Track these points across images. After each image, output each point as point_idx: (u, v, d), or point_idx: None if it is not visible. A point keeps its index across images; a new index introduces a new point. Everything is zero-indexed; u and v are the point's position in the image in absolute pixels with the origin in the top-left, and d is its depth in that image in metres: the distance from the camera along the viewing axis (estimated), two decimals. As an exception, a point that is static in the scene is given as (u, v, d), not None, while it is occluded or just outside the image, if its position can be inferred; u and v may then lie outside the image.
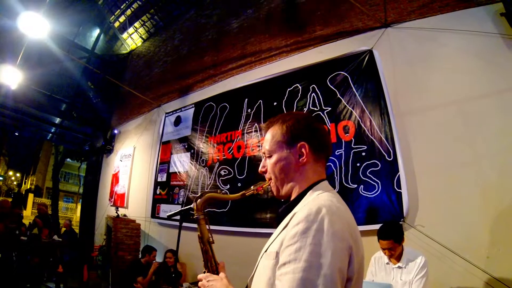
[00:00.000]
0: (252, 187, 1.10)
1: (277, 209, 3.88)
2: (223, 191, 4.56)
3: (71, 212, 22.20)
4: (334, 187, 3.51)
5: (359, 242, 0.87)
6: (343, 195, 3.39)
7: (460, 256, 2.74)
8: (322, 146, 1.01)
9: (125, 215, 5.92)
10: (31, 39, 5.52)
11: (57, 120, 9.30)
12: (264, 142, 1.06)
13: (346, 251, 0.80)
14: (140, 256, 4.70)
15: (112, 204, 7.15)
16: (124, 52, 8.70)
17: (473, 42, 3.17)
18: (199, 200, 1.15)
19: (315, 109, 4.00)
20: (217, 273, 1.09)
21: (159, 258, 5.00)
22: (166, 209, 5.49)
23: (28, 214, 16.19)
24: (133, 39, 8.39)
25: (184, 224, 4.98)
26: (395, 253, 2.53)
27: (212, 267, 1.11)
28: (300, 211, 0.85)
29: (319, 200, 0.87)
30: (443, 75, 3.31)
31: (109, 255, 5.41)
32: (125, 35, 8.42)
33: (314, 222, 0.79)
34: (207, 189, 4.81)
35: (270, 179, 1.04)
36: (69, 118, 8.72)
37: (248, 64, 5.19)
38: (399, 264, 2.53)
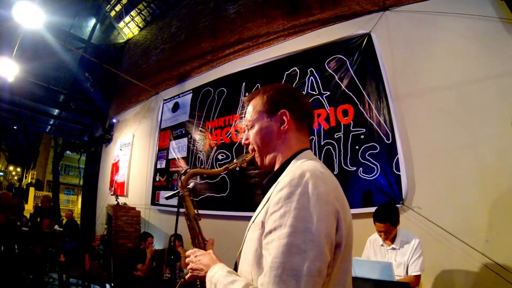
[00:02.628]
0: (235, 160, 1.10)
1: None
2: (221, 176, 4.56)
3: (73, 204, 22.32)
4: (333, 170, 3.55)
5: (346, 208, 0.86)
6: (342, 177, 3.41)
7: (458, 239, 2.74)
8: (303, 114, 1.01)
9: (125, 204, 5.94)
10: (27, 29, 5.48)
11: (56, 111, 9.26)
12: (246, 114, 1.06)
13: (332, 215, 0.78)
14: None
15: (112, 193, 7.17)
16: (121, 41, 8.61)
17: (472, 26, 3.13)
18: (183, 176, 1.14)
19: (314, 92, 3.97)
20: (205, 250, 1.08)
21: (160, 245, 5.04)
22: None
23: (30, 208, 16.26)
24: (129, 28, 8.31)
25: (183, 210, 5.03)
26: (390, 235, 2.55)
27: (200, 244, 1.11)
28: (283, 178, 0.84)
29: (302, 166, 0.85)
30: (441, 59, 3.28)
31: (110, 244, 5.45)
32: (121, 24, 8.33)
33: (298, 186, 0.77)
34: (204, 174, 4.81)
35: (253, 150, 1.04)
36: (67, 109, 8.66)
37: (245, 48, 5.13)
38: (393, 245, 2.55)
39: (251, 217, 3.47)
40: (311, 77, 4.06)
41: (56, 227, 6.00)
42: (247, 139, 1.06)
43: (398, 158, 3.18)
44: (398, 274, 2.44)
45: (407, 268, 2.46)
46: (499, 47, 2.98)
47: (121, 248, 5.18)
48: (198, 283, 1.08)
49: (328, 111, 3.78)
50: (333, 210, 0.79)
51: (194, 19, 6.29)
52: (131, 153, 6.91)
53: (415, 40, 3.49)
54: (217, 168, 4.75)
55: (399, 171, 3.15)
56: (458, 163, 2.98)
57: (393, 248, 2.54)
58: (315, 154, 3.63)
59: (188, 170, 1.16)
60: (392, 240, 2.57)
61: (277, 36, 4.78)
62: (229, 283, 0.82)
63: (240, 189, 4.36)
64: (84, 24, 8.58)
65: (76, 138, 10.80)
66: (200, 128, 5.26)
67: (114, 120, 8.02)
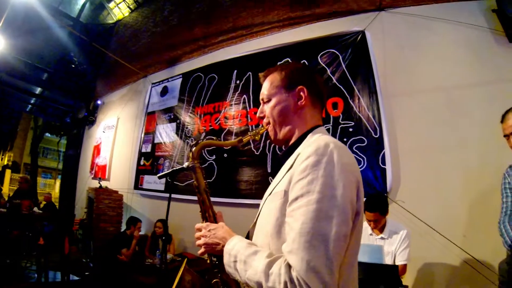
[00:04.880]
0: (249, 133, 1.10)
1: (260, 180, 3.97)
2: (209, 162, 4.54)
3: (50, 188, 21.64)
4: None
5: (361, 179, 0.88)
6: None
7: (438, 233, 2.85)
8: (319, 92, 1.03)
9: (106, 187, 5.82)
10: (15, 1, 5.24)
11: (38, 90, 8.94)
12: (262, 89, 1.07)
13: (354, 184, 0.81)
14: (125, 227, 4.64)
15: (92, 176, 7.02)
16: (111, 22, 8.37)
17: (464, 34, 3.25)
18: (194, 148, 1.12)
19: (305, 83, 3.98)
20: (216, 223, 1.06)
21: (143, 230, 4.98)
22: (150, 180, 5.42)
23: (6, 191, 15.69)
24: (120, 9, 8.09)
25: (168, 195, 4.98)
26: (379, 224, 2.61)
27: (210, 217, 1.07)
28: (307, 148, 0.84)
29: (324, 138, 0.87)
30: (432, 62, 3.39)
31: (91, 228, 5.33)
32: (112, 4, 8.11)
33: (324, 155, 0.79)
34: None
35: (268, 123, 1.05)
36: (50, 88, 8.38)
37: (239, 37, 5.10)
38: (382, 235, 2.61)
39: (237, 204, 3.50)
40: (303, 69, 4.07)
41: (35, 209, 5.82)
42: (262, 112, 1.07)
43: (384, 152, 3.27)
44: (386, 263, 2.50)
45: (395, 257, 2.53)
46: (488, 56, 3.12)
47: (102, 232, 5.09)
48: (207, 258, 1.04)
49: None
50: (354, 179, 0.82)
51: (188, 4, 6.17)
52: (115, 136, 6.78)
53: (408, 42, 3.58)
54: (206, 154, 4.69)
55: (385, 165, 3.23)
56: (443, 162, 3.09)
57: (382, 238, 2.61)
58: None
59: (199, 141, 1.15)
60: (381, 230, 2.63)
61: (271, 26, 4.77)
62: (251, 254, 0.82)
63: (227, 175, 4.35)
64: (73, 1, 8.29)
65: (58, 119, 10.44)
66: (189, 114, 5.21)
67: (98, 102, 7.83)
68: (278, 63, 4.26)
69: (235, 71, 4.75)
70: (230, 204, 4.18)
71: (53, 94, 8.77)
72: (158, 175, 1.55)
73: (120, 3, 7.94)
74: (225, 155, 4.43)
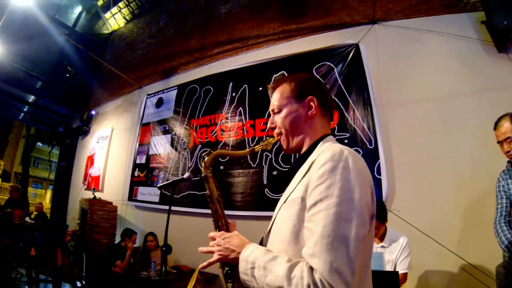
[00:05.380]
0: (261, 142, 1.13)
1: (256, 193, 3.97)
2: (204, 174, 4.51)
3: (40, 199, 21.32)
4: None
5: (373, 185, 0.92)
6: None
7: (434, 240, 2.89)
8: (327, 102, 1.08)
9: (100, 198, 5.75)
10: (14, 7, 5.23)
11: (31, 98, 8.84)
12: (272, 100, 1.10)
13: (369, 188, 0.85)
14: (120, 239, 4.56)
15: (86, 187, 6.94)
16: (106, 32, 8.39)
17: (454, 45, 3.36)
18: (206, 157, 1.14)
19: (301, 96, 4.03)
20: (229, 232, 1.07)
21: (137, 242, 4.91)
22: (144, 192, 5.37)
23: (-5, 200, 15.39)
24: (116, 20, 8.10)
25: (163, 207, 4.95)
26: (378, 232, 2.62)
27: (223, 226, 1.09)
28: (322, 155, 0.88)
29: (337, 145, 0.92)
30: (424, 73, 3.49)
31: (84, 239, 5.23)
32: (108, 15, 8.11)
33: (340, 161, 0.82)
34: (187, 171, 4.75)
35: (279, 134, 1.08)
36: (44, 97, 8.31)
37: (235, 49, 5.13)
38: (383, 243, 2.62)
39: (233, 216, 3.51)
40: (299, 82, 4.12)
41: (27, 219, 5.71)
42: (272, 123, 1.09)
43: (379, 162, 3.31)
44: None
45: (395, 266, 2.54)
46: (479, 66, 3.22)
47: (96, 244, 5.00)
48: (219, 266, 1.05)
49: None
50: (369, 183, 0.86)
51: (184, 16, 6.22)
52: (109, 146, 6.72)
53: (401, 54, 3.67)
54: (201, 166, 4.73)
55: (380, 175, 3.28)
56: (436, 171, 3.15)
57: (383, 246, 2.61)
58: None
59: (211, 151, 1.17)
60: (381, 238, 2.63)
61: (267, 39, 4.82)
62: (270, 260, 0.83)
63: (222, 187, 4.31)
64: (69, 10, 8.28)
65: (51, 128, 10.31)
66: (184, 126, 5.19)
67: (93, 112, 7.76)
68: (274, 75, 4.31)
69: (231, 83, 4.77)
70: (226, 216, 4.14)
71: (46, 103, 8.67)
72: (159, 185, 1.55)
73: (116, 13, 7.97)
74: (221, 167, 4.43)
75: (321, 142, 1.01)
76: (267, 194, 3.91)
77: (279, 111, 1.07)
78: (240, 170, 4.26)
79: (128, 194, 5.68)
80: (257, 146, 1.12)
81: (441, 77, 3.37)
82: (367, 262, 0.85)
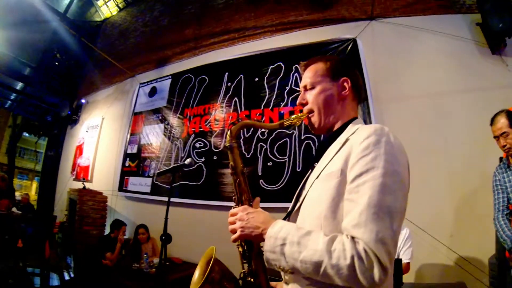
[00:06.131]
0: (291, 117, 1.08)
1: (250, 183, 3.91)
2: (197, 164, 4.47)
3: (26, 190, 20.81)
4: (312, 162, 3.64)
5: None
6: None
7: (428, 233, 2.95)
8: (359, 86, 1.08)
9: (89, 189, 5.63)
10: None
11: (19, 85, 8.58)
12: (304, 77, 1.09)
13: (407, 164, 0.87)
14: (109, 231, 4.47)
15: (74, 177, 6.80)
16: (98, 19, 8.21)
17: (449, 44, 3.47)
18: (233, 127, 1.08)
19: (298, 89, 4.02)
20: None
21: (127, 234, 4.82)
22: (135, 182, 5.27)
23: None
24: (108, 7, 7.93)
25: (155, 197, 4.88)
26: None
27: (246, 201, 1.01)
28: (361, 131, 0.88)
29: (375, 124, 0.92)
30: (420, 70, 3.58)
31: (73, 231, 5.10)
32: (100, 2, 7.93)
33: (383, 135, 0.83)
34: (180, 161, 4.68)
35: (310, 111, 1.06)
36: (33, 84, 8.07)
37: (231, 39, 5.09)
38: None
39: (224, 206, 3.47)
40: (296, 74, 4.12)
41: (14, 209, 5.56)
42: (304, 99, 1.08)
43: (375, 157, 3.31)
44: None
45: (398, 255, 2.57)
46: (472, 66, 3.34)
47: (85, 236, 4.88)
48: (238, 244, 0.99)
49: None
50: (407, 160, 0.87)
51: (179, 5, 6.12)
52: (99, 136, 6.58)
53: (397, 50, 3.75)
54: (194, 156, 4.64)
55: (375, 170, 3.27)
56: (430, 165, 3.21)
57: None
58: (295, 147, 3.78)
59: (237, 121, 1.11)
60: None
61: (264, 31, 4.80)
62: (304, 235, 0.80)
63: (216, 178, 4.30)
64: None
65: (38, 117, 10.04)
66: (178, 115, 5.12)
67: (82, 101, 7.58)
68: (271, 66, 4.29)
69: (227, 73, 4.72)
70: (219, 208, 4.13)
71: (35, 91, 8.44)
72: (158, 171, 1.51)
73: (108, 1, 7.80)
74: (215, 157, 4.38)
75: (352, 123, 1.00)
76: (262, 185, 3.87)
77: (312, 88, 1.05)
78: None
79: (118, 184, 5.58)
80: (287, 121, 1.07)
81: (435, 75, 3.47)
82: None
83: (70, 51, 7.46)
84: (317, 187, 0.90)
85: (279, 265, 0.83)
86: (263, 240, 0.87)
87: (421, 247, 2.96)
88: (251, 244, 0.95)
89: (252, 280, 0.96)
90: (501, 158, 2.55)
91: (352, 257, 0.70)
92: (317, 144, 3.68)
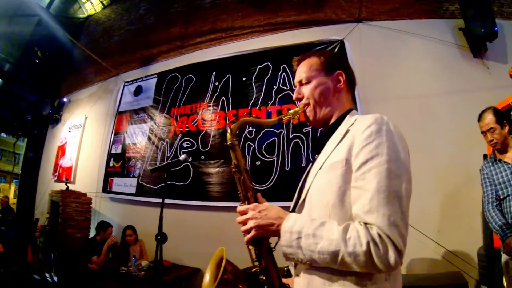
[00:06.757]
0: (289, 112, 1.09)
1: (230, 184, 3.91)
2: (184, 164, 4.40)
3: (4, 193, 20.11)
4: (301, 162, 3.73)
5: None
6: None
7: (415, 229, 3.01)
8: (352, 79, 1.12)
9: (72, 190, 5.46)
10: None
11: (-3, 82, 8.26)
12: (298, 72, 1.11)
13: (407, 151, 0.89)
14: (95, 233, 4.35)
15: (56, 178, 6.59)
16: (81, 16, 7.99)
17: (433, 48, 3.64)
18: (233, 124, 1.09)
19: (285, 88, 4.05)
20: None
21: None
22: (120, 183, 5.16)
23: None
24: (92, 4, 7.74)
25: (140, 198, 4.79)
26: None
27: (251, 198, 1.02)
28: (360, 121, 0.91)
29: (374, 114, 0.93)
30: (405, 72, 3.73)
31: (56, 234, 4.90)
32: (83, -2, 7.75)
33: (383, 124, 0.86)
34: (166, 161, 4.61)
35: (306, 104, 1.08)
36: (12, 82, 7.77)
37: (218, 39, 5.08)
38: None
39: (212, 207, 3.45)
40: (283, 73, 4.14)
41: (-6, 213, 5.33)
42: (299, 93, 1.10)
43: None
44: None
45: None
46: (455, 69, 3.51)
47: (69, 239, 4.72)
48: (249, 246, 0.97)
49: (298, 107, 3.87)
50: (407, 147, 0.89)
51: (165, 4, 6.03)
52: (82, 135, 6.40)
53: (384, 52, 3.88)
54: (181, 155, 4.60)
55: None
56: (416, 164, 3.17)
57: None
58: (283, 146, 3.79)
59: (237, 118, 1.13)
60: None
61: (252, 31, 4.81)
62: (318, 226, 0.81)
63: (202, 178, 4.26)
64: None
65: (17, 116, 9.66)
66: (164, 114, 5.04)
67: (64, 99, 7.34)
68: (258, 66, 4.30)
69: (214, 72, 4.70)
70: (206, 208, 4.11)
71: (14, 88, 8.12)
72: (151, 168, 1.47)
73: (92, -3, 7.61)
74: (202, 157, 4.34)
75: (348, 115, 1.03)
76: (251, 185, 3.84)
77: (308, 82, 1.07)
78: (222, 160, 4.19)
79: (102, 185, 5.44)
80: (285, 116, 1.09)
81: (420, 77, 3.61)
82: None
83: (52, 47, 7.24)
84: (322, 177, 0.91)
85: (297, 258, 0.83)
86: (279, 235, 0.87)
87: (409, 242, 3.01)
88: (259, 242, 0.94)
89: (264, 278, 0.95)
90: (485, 156, 2.63)
91: (368, 243, 0.73)
92: (310, 140, 3.74)
